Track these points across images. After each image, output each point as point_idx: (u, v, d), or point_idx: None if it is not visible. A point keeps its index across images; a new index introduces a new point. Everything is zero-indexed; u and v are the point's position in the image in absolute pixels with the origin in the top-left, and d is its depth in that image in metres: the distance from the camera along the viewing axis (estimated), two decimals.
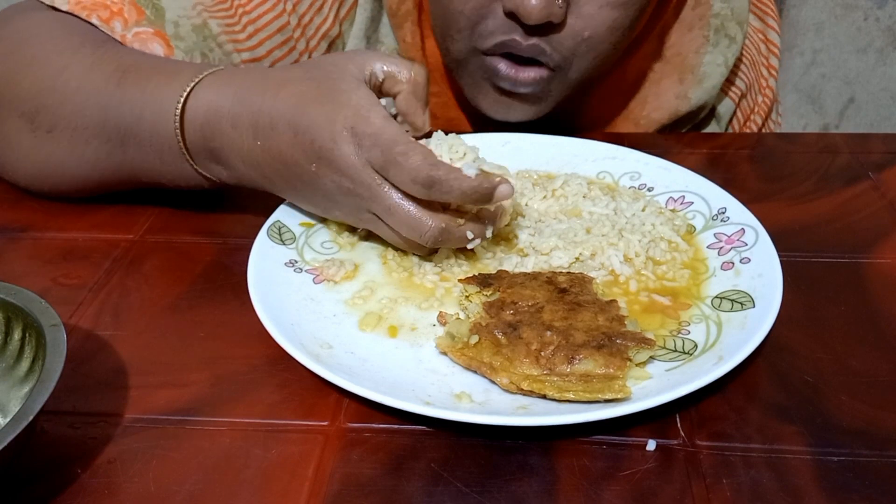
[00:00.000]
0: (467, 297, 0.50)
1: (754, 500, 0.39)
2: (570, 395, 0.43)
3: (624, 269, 0.54)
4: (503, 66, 0.63)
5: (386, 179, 0.50)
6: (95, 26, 0.63)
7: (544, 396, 0.44)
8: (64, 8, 0.63)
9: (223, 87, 0.54)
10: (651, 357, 0.46)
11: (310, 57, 0.72)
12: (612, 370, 0.43)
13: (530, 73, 0.63)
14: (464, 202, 0.50)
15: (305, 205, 0.56)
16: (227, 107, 0.53)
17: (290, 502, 0.40)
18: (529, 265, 0.54)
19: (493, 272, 0.53)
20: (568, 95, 0.67)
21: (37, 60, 0.59)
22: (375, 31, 0.73)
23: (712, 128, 0.80)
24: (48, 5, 0.64)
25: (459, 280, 0.52)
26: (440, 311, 0.51)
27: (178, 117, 0.54)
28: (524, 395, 0.44)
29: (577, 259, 0.55)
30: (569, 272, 0.52)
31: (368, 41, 0.73)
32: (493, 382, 0.45)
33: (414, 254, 0.55)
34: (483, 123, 0.74)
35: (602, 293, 0.51)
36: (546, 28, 0.59)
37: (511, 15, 0.59)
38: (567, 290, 0.50)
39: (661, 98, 0.75)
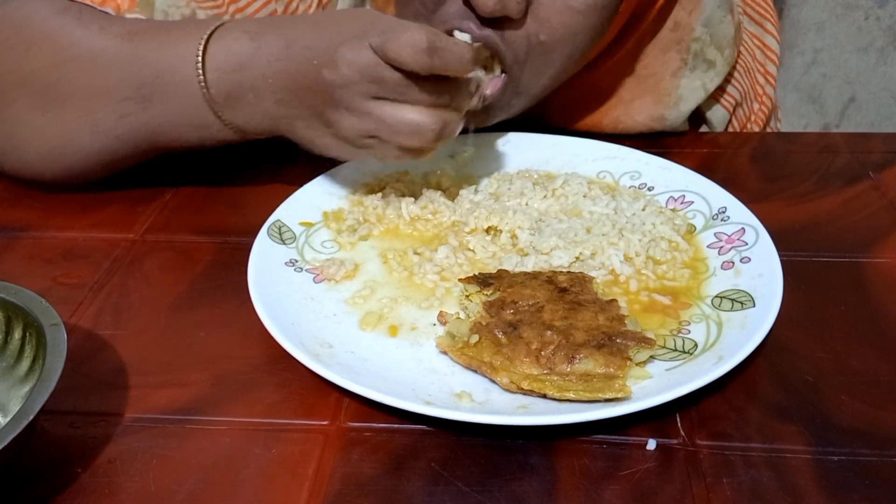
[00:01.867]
0: (467, 296, 0.50)
1: (754, 500, 0.39)
2: (571, 395, 0.43)
3: (624, 268, 0.54)
4: None
5: (379, 98, 0.52)
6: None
7: (544, 396, 0.44)
8: None
9: (240, 31, 0.56)
10: (651, 356, 0.46)
11: None
12: (612, 370, 0.43)
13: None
14: (460, 69, 0.52)
15: (311, 135, 0.56)
16: (247, 43, 0.55)
17: (290, 502, 0.40)
18: (529, 265, 0.54)
19: (494, 272, 0.53)
20: (523, 105, 0.65)
21: (42, 39, 0.59)
22: (363, 2, 0.73)
23: None
24: None
25: (460, 280, 0.52)
26: (440, 311, 0.51)
27: (199, 59, 0.55)
28: (524, 394, 0.44)
29: (577, 258, 0.55)
30: (569, 272, 0.52)
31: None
32: (494, 382, 0.45)
33: (413, 158, 0.56)
34: None
35: (602, 293, 0.51)
36: (502, 22, 0.58)
37: (468, 3, 0.58)
38: (567, 289, 0.50)
39: (633, 118, 0.73)
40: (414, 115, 0.52)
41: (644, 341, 0.45)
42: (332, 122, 0.54)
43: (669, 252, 0.55)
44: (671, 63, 0.71)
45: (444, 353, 0.47)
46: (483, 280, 0.51)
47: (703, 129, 0.79)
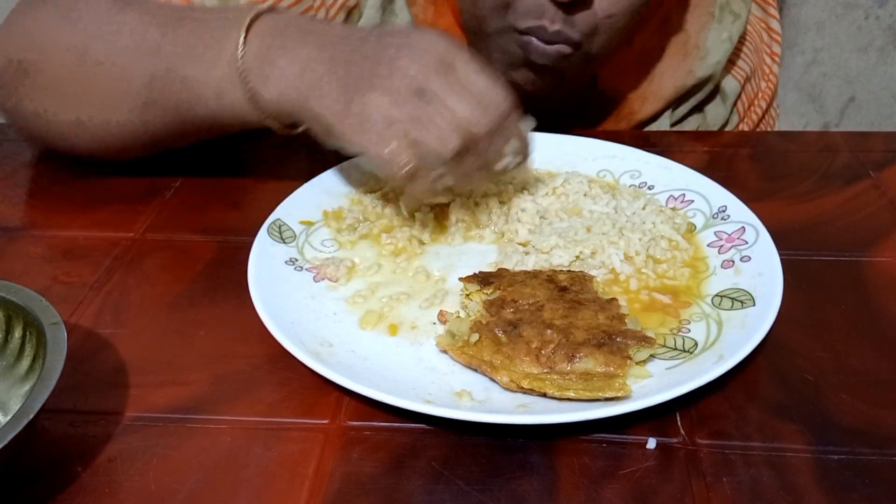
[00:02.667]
0: (467, 295, 0.50)
1: (754, 499, 0.39)
2: (571, 394, 0.43)
3: (624, 267, 0.54)
4: (533, 41, 0.65)
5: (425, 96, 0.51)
6: None
7: (545, 395, 0.44)
8: None
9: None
10: (651, 355, 0.46)
11: None
12: (612, 368, 0.43)
13: (556, 48, 0.65)
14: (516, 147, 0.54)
15: (335, 109, 0.53)
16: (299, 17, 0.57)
17: (290, 501, 0.40)
18: (530, 263, 0.54)
19: (494, 271, 0.53)
20: (586, 69, 0.69)
21: (87, 7, 0.61)
22: (391, 2, 0.74)
23: (718, 106, 0.82)
24: None
25: (460, 278, 0.52)
26: (440, 310, 0.51)
27: (247, 22, 0.55)
28: (524, 393, 0.44)
29: (577, 257, 0.55)
30: (569, 270, 0.52)
31: (384, 12, 0.74)
32: (494, 381, 0.45)
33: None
34: None
35: (602, 292, 0.51)
36: (577, 6, 0.62)
37: None
38: (567, 288, 0.50)
39: (666, 74, 0.77)
40: (450, 121, 0.50)
41: (644, 340, 0.45)
42: (367, 100, 0.51)
43: (669, 251, 0.55)
44: (700, 18, 0.76)
45: (445, 351, 0.47)
46: (483, 279, 0.51)
47: (713, 110, 0.81)
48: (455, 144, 0.50)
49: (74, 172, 0.69)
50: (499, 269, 0.53)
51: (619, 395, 0.43)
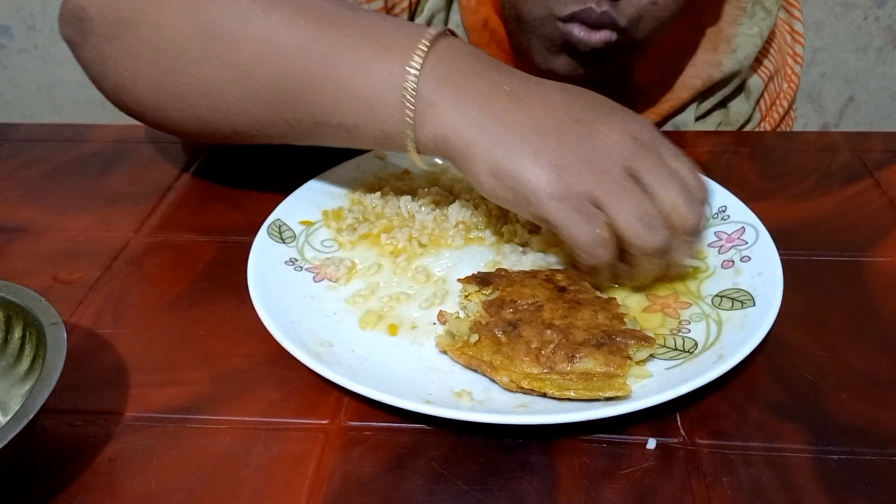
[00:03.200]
0: (466, 296, 0.50)
1: (754, 499, 0.39)
2: (571, 394, 0.43)
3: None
4: (577, 29, 0.64)
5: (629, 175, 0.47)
6: None
7: (545, 395, 0.44)
8: None
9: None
10: (651, 355, 0.46)
11: (410, 2, 0.73)
12: (612, 368, 0.43)
13: (601, 35, 0.64)
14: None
15: (510, 167, 0.47)
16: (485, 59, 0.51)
17: (290, 501, 0.40)
18: (528, 263, 0.54)
19: (492, 271, 0.53)
20: (628, 57, 0.69)
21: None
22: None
23: (741, 103, 0.82)
24: None
25: (459, 279, 0.52)
26: (440, 310, 0.51)
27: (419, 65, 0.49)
28: (524, 393, 0.44)
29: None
30: (566, 270, 0.52)
31: (449, 8, 0.75)
32: (494, 381, 0.45)
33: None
34: None
35: (601, 291, 0.51)
36: None
37: None
38: (566, 288, 0.50)
39: (696, 66, 0.78)
40: (654, 213, 0.46)
41: (644, 340, 0.45)
42: (570, 175, 0.46)
43: None
44: (732, 11, 0.76)
45: (444, 352, 0.47)
46: (482, 279, 0.51)
47: (736, 106, 0.82)
48: (662, 239, 0.46)
49: (74, 172, 0.69)
50: (497, 270, 0.53)
51: (620, 394, 0.43)
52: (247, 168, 0.69)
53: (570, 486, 0.40)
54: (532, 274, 0.51)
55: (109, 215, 0.63)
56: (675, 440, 0.43)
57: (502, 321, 0.47)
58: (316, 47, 0.51)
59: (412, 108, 0.49)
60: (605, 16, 0.62)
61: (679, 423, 0.44)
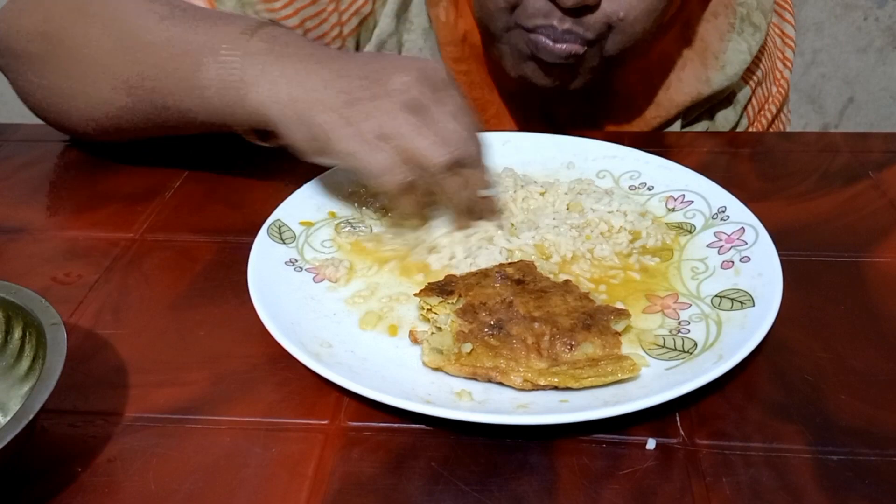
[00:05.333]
0: (429, 309, 0.49)
1: (754, 499, 0.39)
2: (589, 381, 0.43)
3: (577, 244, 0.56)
4: (542, 39, 0.65)
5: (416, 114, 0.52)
6: None
7: (567, 388, 0.44)
8: None
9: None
10: (646, 352, 0.47)
11: (341, 32, 0.74)
12: (609, 349, 0.45)
13: (566, 47, 0.65)
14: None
15: (324, 121, 0.53)
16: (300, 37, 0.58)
17: (290, 501, 0.40)
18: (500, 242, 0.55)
19: (442, 280, 0.51)
20: (601, 68, 0.69)
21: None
22: (406, 10, 0.75)
23: (728, 112, 0.82)
24: None
25: (415, 294, 0.50)
26: (410, 330, 0.49)
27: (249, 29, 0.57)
28: (541, 390, 0.44)
29: (575, 255, 0.55)
30: (512, 262, 0.53)
31: (399, 20, 0.75)
32: (503, 384, 0.45)
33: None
34: (510, 102, 0.75)
35: (554, 275, 0.52)
36: (581, 10, 0.62)
37: None
38: (522, 280, 0.50)
39: (683, 82, 0.77)
40: (437, 136, 0.51)
41: (618, 313, 0.47)
42: (363, 113, 0.52)
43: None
44: (720, 27, 0.76)
45: (439, 369, 0.46)
46: (441, 289, 0.49)
47: (722, 114, 0.82)
48: (446, 154, 0.51)
49: (74, 172, 0.69)
50: (447, 276, 0.51)
51: (632, 375, 0.44)
52: (247, 168, 0.69)
53: (569, 486, 0.40)
54: (484, 274, 0.51)
55: (109, 215, 0.63)
56: (675, 441, 0.43)
57: (485, 325, 0.47)
58: (162, 37, 0.59)
59: (235, 86, 0.56)
60: (569, 34, 0.63)
61: (679, 424, 0.44)
